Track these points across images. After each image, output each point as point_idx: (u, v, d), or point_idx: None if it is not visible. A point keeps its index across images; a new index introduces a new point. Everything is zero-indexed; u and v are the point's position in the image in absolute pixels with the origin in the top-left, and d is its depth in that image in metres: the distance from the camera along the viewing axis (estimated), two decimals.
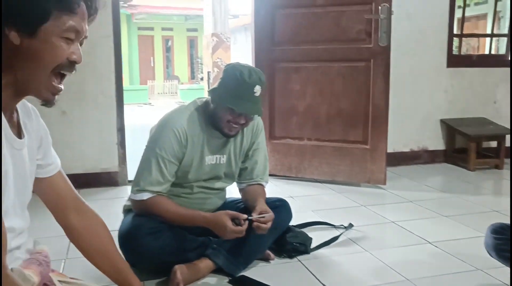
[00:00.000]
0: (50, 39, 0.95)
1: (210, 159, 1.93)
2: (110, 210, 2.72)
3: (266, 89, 1.84)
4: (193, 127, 1.86)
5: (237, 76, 1.79)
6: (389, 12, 3.06)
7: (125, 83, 10.71)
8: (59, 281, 1.19)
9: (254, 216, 1.78)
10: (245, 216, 1.77)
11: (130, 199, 1.91)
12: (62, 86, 1.02)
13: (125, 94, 3.39)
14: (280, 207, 2.03)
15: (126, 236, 1.82)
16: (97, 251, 1.30)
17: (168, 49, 20.07)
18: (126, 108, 3.43)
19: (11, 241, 1.01)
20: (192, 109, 1.91)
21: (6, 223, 0.96)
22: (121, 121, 3.34)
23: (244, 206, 2.02)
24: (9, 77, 0.96)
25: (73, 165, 3.25)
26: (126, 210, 2.02)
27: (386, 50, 3.12)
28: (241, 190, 2.08)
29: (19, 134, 1.05)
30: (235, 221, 1.76)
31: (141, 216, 1.86)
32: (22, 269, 1.03)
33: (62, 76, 1.02)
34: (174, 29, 19.61)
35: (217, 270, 1.89)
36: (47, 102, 1.02)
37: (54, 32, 0.95)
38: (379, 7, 3.06)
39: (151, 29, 19.30)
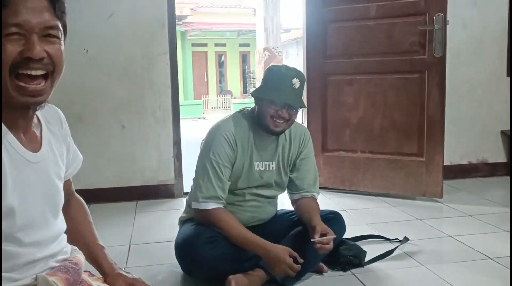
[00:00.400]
0: None
1: (259, 165, 1.97)
2: (166, 221, 2.82)
3: (304, 82, 1.91)
4: (241, 131, 1.93)
5: (275, 71, 1.91)
6: (444, 22, 3.01)
7: (180, 98, 11.00)
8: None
9: (317, 238, 1.79)
10: (302, 260, 1.78)
11: (193, 208, 1.93)
12: (35, 86, 0.94)
13: (180, 109, 3.50)
14: (333, 220, 2.04)
15: (183, 245, 1.87)
16: (74, 234, 1.26)
17: (221, 65, 20.46)
18: (181, 122, 3.54)
19: (36, 253, 1.02)
20: (239, 116, 1.99)
21: (31, 237, 0.99)
22: (177, 134, 3.45)
23: (298, 219, 2.03)
24: None
25: (132, 177, 3.39)
26: (182, 222, 2.09)
27: (441, 60, 3.06)
28: (293, 201, 2.09)
29: (38, 147, 1.05)
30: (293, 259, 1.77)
31: (198, 225, 1.91)
32: (48, 276, 1.02)
33: (32, 76, 0.94)
34: (227, 45, 20.00)
35: (270, 281, 1.91)
36: (26, 105, 0.96)
37: None
38: (434, 17, 3.01)
39: (205, 45, 19.78)
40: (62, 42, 0.99)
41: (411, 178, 3.22)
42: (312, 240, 1.79)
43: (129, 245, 2.47)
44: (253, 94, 1.98)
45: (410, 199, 3.23)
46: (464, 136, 3.82)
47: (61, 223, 1.13)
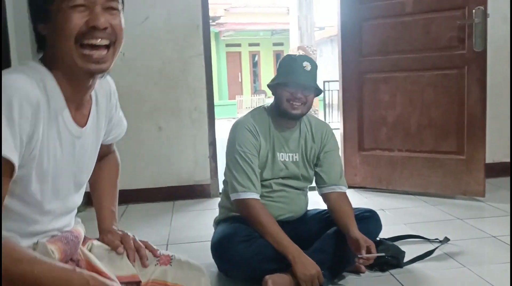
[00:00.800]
0: (61, 14, 0.98)
1: (283, 156, 2.02)
2: (202, 221, 2.84)
3: (316, 68, 1.98)
4: (261, 122, 2.00)
5: (286, 58, 2.01)
6: (485, 16, 2.92)
7: (215, 99, 11.11)
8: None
9: (364, 255, 1.79)
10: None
11: (233, 200, 1.96)
12: (99, 53, 1.02)
13: (215, 109, 3.53)
14: (369, 218, 2.03)
15: (219, 244, 1.89)
16: (96, 185, 1.36)
17: (255, 64, 20.49)
18: (216, 123, 3.56)
19: (50, 223, 1.08)
20: (258, 110, 2.08)
21: (51, 205, 1.05)
22: (213, 135, 3.47)
23: (331, 219, 2.02)
24: (58, 69, 1.03)
25: (169, 178, 3.44)
26: (217, 222, 2.11)
27: (482, 55, 2.97)
28: (323, 196, 2.08)
29: (84, 121, 1.11)
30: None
31: (234, 224, 1.94)
32: (47, 243, 1.05)
33: (96, 47, 1.01)
34: (261, 44, 20.00)
35: None
36: (90, 72, 1.03)
37: (62, 6, 0.97)
38: (473, 11, 2.93)
39: (239, 45, 19.84)
40: (122, 14, 1.06)
41: (450, 177, 3.14)
42: (359, 256, 1.80)
43: (167, 245, 2.51)
44: (269, 85, 2.04)
45: (449, 198, 3.15)
46: (506, 133, 3.69)
47: (78, 198, 1.18)
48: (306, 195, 2.17)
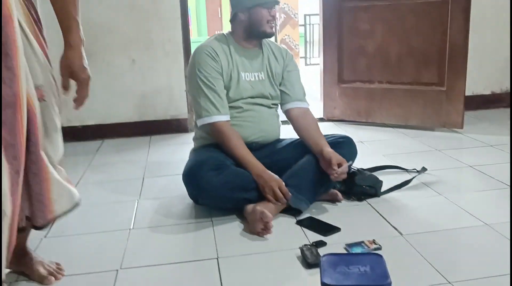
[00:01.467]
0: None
1: (248, 76, 2.04)
2: (179, 155, 2.79)
3: None
4: (220, 46, 2.01)
5: None
6: None
7: (194, 35, 10.78)
8: None
9: (337, 169, 1.83)
10: (290, 195, 1.82)
11: (200, 126, 2.00)
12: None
13: (193, 46, 3.38)
14: (343, 143, 2.03)
15: (189, 172, 1.88)
16: None
17: None
18: None
19: None
20: (219, 35, 2.08)
21: None
22: None
23: (301, 140, 2.05)
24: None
25: (144, 112, 3.35)
26: (192, 151, 2.12)
27: None
28: (288, 112, 2.11)
29: None
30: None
31: (206, 153, 1.95)
32: None
33: None
34: None
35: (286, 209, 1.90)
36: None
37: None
38: None
39: None
40: None
41: (430, 108, 3.12)
42: (332, 174, 1.84)
43: (143, 178, 2.46)
44: (243, 5, 1.98)
45: (428, 130, 3.14)
46: (488, 65, 3.65)
47: None
48: (277, 117, 2.15)
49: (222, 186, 1.82)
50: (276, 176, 1.86)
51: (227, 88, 2.00)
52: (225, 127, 1.94)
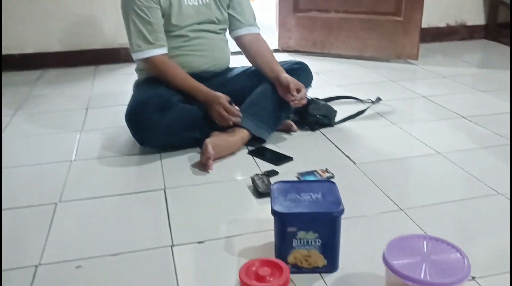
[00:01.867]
0: None
1: (190, 1, 1.85)
2: (126, 86, 2.62)
3: None
4: None
5: None
6: None
7: None
8: None
9: (295, 97, 1.76)
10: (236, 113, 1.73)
11: (136, 60, 1.87)
12: None
13: None
14: (299, 69, 1.95)
15: (132, 115, 1.73)
16: None
17: None
18: None
19: None
20: None
21: None
22: None
23: (254, 69, 1.95)
24: None
25: (89, 40, 3.12)
26: (136, 85, 1.98)
27: None
28: (239, 38, 1.98)
29: None
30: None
31: (147, 90, 1.80)
32: None
33: None
34: None
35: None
36: None
37: None
38: None
39: None
40: None
41: (386, 39, 3.05)
42: (292, 99, 1.76)
43: (86, 109, 2.32)
44: None
45: (384, 61, 3.09)
46: None
47: None
48: (227, 42, 2.03)
49: (168, 127, 1.71)
50: (222, 95, 1.75)
51: (168, 15, 1.81)
52: (158, 60, 1.80)
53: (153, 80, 1.86)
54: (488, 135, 1.91)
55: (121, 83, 2.75)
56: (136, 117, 1.71)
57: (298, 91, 1.77)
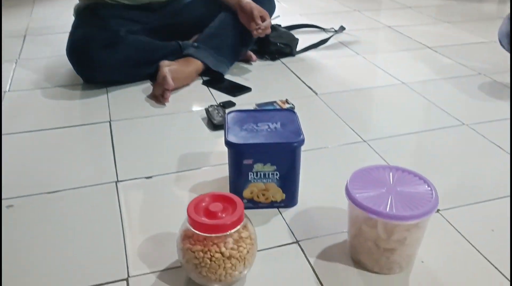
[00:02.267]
0: None
1: None
2: (68, 10, 2.40)
3: None
4: None
5: None
6: None
7: None
8: None
9: (260, 26, 1.62)
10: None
11: None
12: None
13: None
14: None
15: (74, 51, 1.55)
16: None
17: None
18: None
19: None
20: None
21: None
22: None
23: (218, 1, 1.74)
24: None
25: None
26: (77, 12, 1.72)
27: None
28: None
29: None
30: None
31: (92, 20, 1.60)
32: None
33: None
34: None
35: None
36: None
37: None
38: None
39: None
40: None
41: None
42: (256, 28, 1.61)
43: (24, 36, 2.10)
44: None
45: None
46: None
47: None
48: None
49: (119, 65, 1.54)
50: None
51: None
52: None
53: (96, 9, 1.65)
54: (453, 65, 1.84)
55: (62, 8, 2.51)
56: (80, 55, 1.54)
57: (263, 19, 1.63)
